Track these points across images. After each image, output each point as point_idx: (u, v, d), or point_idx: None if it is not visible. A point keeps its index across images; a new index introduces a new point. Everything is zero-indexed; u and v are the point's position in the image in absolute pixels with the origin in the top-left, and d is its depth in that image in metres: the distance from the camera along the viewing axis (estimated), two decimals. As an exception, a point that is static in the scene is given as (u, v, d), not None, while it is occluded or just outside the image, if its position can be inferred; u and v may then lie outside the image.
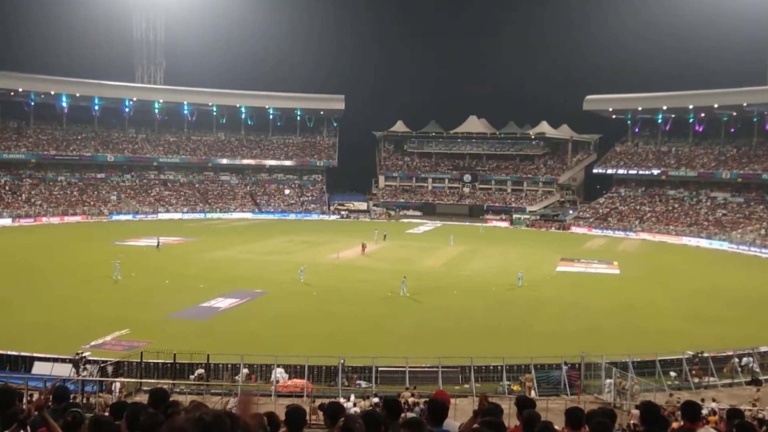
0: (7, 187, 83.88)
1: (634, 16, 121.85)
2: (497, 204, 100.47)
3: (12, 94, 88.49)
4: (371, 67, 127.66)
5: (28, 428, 5.91)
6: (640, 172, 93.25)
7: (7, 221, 74.49)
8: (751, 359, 27.89)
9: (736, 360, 27.83)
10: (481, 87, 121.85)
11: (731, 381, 26.97)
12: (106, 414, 7.80)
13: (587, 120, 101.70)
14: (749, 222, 76.70)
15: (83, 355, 25.24)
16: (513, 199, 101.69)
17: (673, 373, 26.71)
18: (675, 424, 9.66)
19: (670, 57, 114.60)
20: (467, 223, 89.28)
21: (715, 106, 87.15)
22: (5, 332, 28.25)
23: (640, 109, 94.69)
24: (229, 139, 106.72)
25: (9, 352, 24.98)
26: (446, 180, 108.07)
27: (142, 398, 15.67)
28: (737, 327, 34.10)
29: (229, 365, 25.19)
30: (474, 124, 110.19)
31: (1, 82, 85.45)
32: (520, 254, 59.45)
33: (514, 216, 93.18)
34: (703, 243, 73.92)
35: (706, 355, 27.53)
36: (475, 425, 6.25)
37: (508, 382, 25.16)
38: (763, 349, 28.83)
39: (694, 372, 26.89)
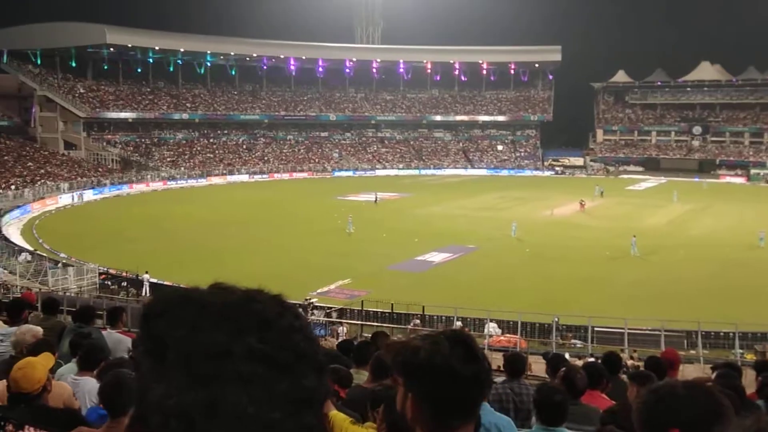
0: (244, 146, 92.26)
1: None
2: (732, 158, 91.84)
3: (247, 59, 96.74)
4: (589, 14, 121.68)
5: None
6: None
7: (244, 177, 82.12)
8: None
9: None
10: (715, 29, 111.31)
11: None
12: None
13: None
14: None
15: (311, 301, 27.34)
16: (751, 153, 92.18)
17: None
18: None
19: None
20: (696, 179, 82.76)
21: None
22: (243, 280, 31.06)
23: None
24: (442, 96, 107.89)
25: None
26: (672, 133, 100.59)
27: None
28: None
29: (443, 317, 25.85)
30: (707, 71, 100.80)
31: (238, 47, 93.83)
32: (758, 213, 54.04)
33: (752, 171, 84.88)
34: None
35: None
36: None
37: (741, 350, 23.23)
38: None
39: None
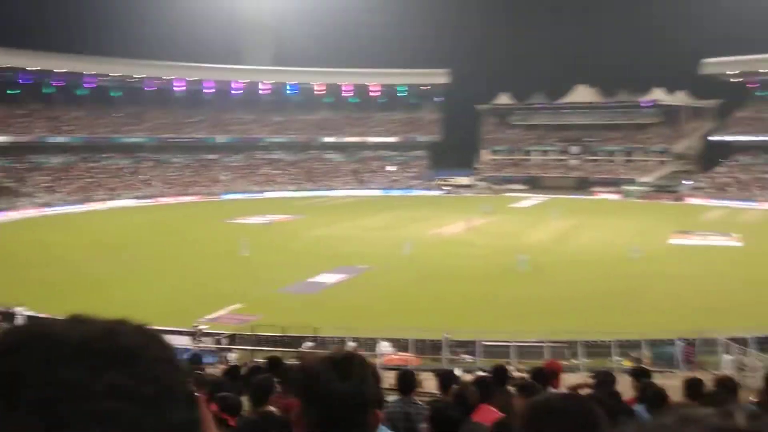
0: (127, 170, 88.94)
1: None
2: (606, 176, 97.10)
3: (130, 80, 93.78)
4: (474, 39, 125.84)
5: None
6: (763, 138, 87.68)
7: (128, 201, 78.95)
8: None
9: None
10: (589, 55, 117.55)
11: None
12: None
13: (705, 85, 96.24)
14: None
15: (199, 327, 26.59)
16: (623, 171, 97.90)
17: (802, 350, 25.17)
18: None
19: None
20: (574, 196, 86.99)
21: None
22: (128, 306, 29.94)
23: (762, 71, 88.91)
24: (333, 118, 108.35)
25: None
26: (552, 152, 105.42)
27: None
28: None
29: (336, 338, 25.77)
30: (582, 94, 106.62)
31: (119, 68, 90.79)
32: (631, 227, 57.41)
33: (625, 188, 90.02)
34: (836, 213, 69.01)
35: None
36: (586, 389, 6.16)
37: (618, 358, 24.45)
38: None
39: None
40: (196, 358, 11.33)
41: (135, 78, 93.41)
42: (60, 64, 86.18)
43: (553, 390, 6.44)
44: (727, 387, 6.51)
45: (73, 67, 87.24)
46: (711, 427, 0.66)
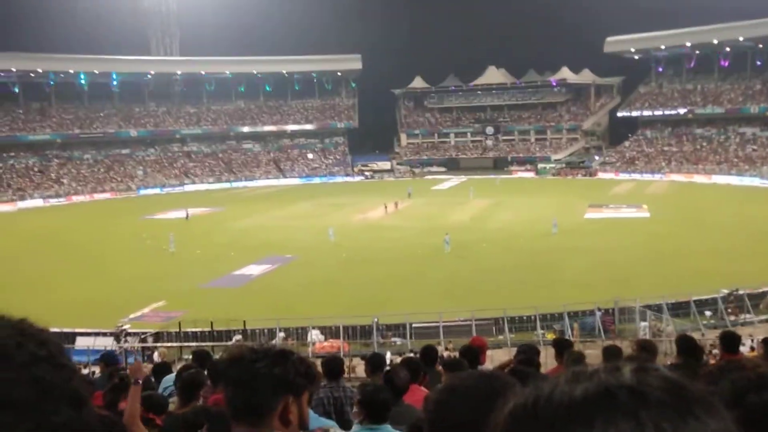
0: (35, 168, 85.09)
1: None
2: (521, 155, 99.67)
3: (32, 75, 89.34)
4: (386, 23, 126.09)
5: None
6: (666, 112, 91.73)
7: (38, 202, 75.74)
8: (787, 294, 27.67)
9: (773, 296, 27.62)
10: (498, 36, 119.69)
11: (768, 317, 26.82)
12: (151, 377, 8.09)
13: (609, 63, 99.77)
14: (780, 156, 75.39)
15: (123, 327, 25.89)
16: (537, 149, 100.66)
17: (708, 313, 26.58)
18: (712, 360, 9.67)
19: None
20: (492, 176, 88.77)
21: (741, 39, 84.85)
22: (46, 309, 28.78)
23: (663, 47, 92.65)
24: (248, 107, 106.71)
25: (52, 329, 25.59)
26: (468, 134, 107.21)
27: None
28: (772, 263, 33.54)
29: (266, 330, 25.60)
30: (493, 75, 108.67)
31: (20, 63, 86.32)
32: (547, 203, 58.99)
33: (539, 165, 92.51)
34: (734, 180, 72.93)
35: (741, 292, 27.32)
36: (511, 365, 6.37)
37: (542, 331, 25.26)
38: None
39: (729, 310, 26.73)
40: (111, 357, 10.97)
41: (37, 72, 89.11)
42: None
43: (480, 367, 6.65)
44: (647, 349, 6.86)
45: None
46: (598, 383, 0.67)
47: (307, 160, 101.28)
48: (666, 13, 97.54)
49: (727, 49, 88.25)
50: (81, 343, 24.73)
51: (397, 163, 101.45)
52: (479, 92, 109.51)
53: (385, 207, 57.66)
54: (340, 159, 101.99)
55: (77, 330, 25.67)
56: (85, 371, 16.31)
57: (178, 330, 25.53)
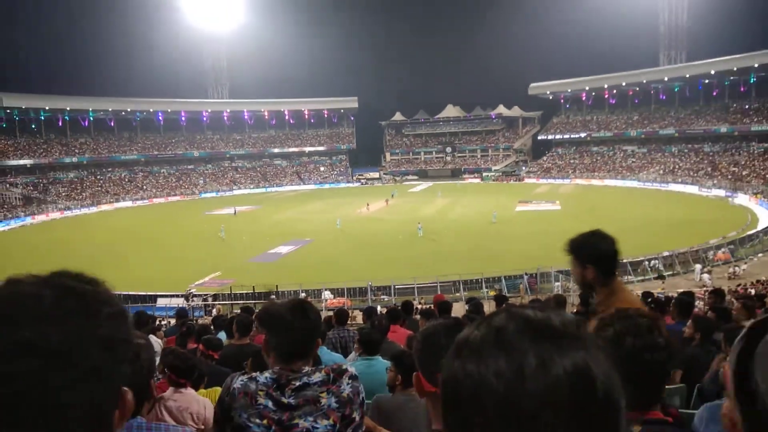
0: (126, 179, 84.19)
1: (566, 18, 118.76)
2: (471, 166, 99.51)
3: (123, 113, 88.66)
4: (374, 75, 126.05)
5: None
6: (572, 135, 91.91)
7: (128, 203, 74.90)
8: (657, 261, 27.97)
9: (647, 262, 27.91)
10: (453, 81, 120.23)
11: (643, 278, 27.11)
12: (211, 326, 8.02)
13: (532, 101, 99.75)
14: (651, 165, 75.89)
15: (191, 291, 25.76)
16: (482, 162, 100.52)
17: (602, 275, 26.76)
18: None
19: (587, 48, 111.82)
20: (450, 182, 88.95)
21: (623, 84, 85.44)
22: (137, 281, 28.75)
23: (569, 90, 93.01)
24: (278, 134, 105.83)
25: (140, 293, 25.51)
26: (434, 152, 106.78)
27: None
28: (646, 238, 33.88)
29: (291, 291, 25.55)
30: (450, 111, 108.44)
31: (115, 104, 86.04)
32: (489, 201, 59.09)
33: (484, 174, 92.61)
34: (619, 183, 73.40)
35: (625, 260, 27.55)
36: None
37: (486, 290, 25.37)
38: (665, 253, 28.88)
39: (617, 273, 26.91)
40: (182, 312, 11.19)
41: (127, 110, 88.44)
42: (68, 104, 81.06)
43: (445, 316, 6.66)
44: (558, 301, 6.88)
45: (78, 105, 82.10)
46: (527, 319, 0.62)
47: (320, 171, 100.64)
48: (571, 66, 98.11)
49: (614, 91, 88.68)
50: (161, 302, 24.62)
51: (384, 173, 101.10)
52: (441, 123, 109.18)
53: (378, 204, 57.55)
54: (344, 170, 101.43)
55: (158, 293, 25.53)
56: (163, 323, 16.18)
57: (229, 292, 25.47)
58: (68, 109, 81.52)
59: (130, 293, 24.66)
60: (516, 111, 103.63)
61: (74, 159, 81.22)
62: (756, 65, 69.45)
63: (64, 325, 0.63)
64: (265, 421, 1.85)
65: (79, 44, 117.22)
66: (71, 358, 0.61)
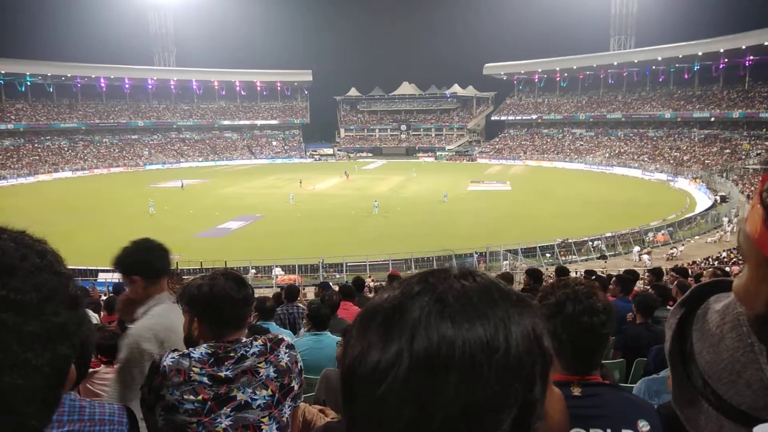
0: (66, 148, 79.84)
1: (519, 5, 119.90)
2: (425, 145, 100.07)
3: (63, 78, 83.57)
4: (329, 48, 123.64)
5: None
6: (524, 117, 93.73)
7: (68, 173, 71.18)
8: (600, 242, 29.07)
9: (590, 243, 28.96)
10: (410, 59, 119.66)
11: (587, 257, 28.14)
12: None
13: (486, 82, 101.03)
14: (598, 149, 78.50)
15: (134, 266, 24.86)
16: (436, 141, 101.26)
17: (548, 255, 27.67)
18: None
19: (542, 31, 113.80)
20: (404, 160, 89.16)
21: (574, 67, 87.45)
22: (76, 253, 27.36)
23: (522, 72, 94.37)
24: (228, 106, 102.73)
25: (81, 267, 24.44)
26: (388, 130, 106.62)
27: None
28: (590, 220, 35.11)
29: (241, 267, 25.07)
30: (406, 88, 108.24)
31: (54, 69, 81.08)
32: (442, 180, 59.58)
33: (437, 153, 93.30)
34: (567, 165, 75.56)
35: (570, 240, 28.55)
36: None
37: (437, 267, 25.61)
38: (608, 234, 30.02)
39: (561, 253, 27.89)
40: (119, 287, 10.73)
41: (68, 76, 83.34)
42: (2, 66, 75.47)
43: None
44: (506, 278, 7.04)
45: (14, 68, 76.63)
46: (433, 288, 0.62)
47: (272, 146, 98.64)
48: (525, 48, 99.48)
49: (565, 74, 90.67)
50: (102, 277, 23.67)
51: (338, 150, 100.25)
52: (396, 100, 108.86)
53: (332, 180, 57.11)
54: (297, 146, 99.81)
55: (99, 268, 24.49)
56: (104, 298, 15.54)
57: (175, 268, 24.71)
58: (3, 72, 76.22)
59: (71, 267, 23.56)
60: (471, 91, 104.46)
61: (9, 126, 76.18)
62: (700, 53, 72.42)
63: (35, 279, 0.63)
64: (200, 397, 1.78)
65: (17, 3, 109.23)
66: (46, 312, 0.62)
